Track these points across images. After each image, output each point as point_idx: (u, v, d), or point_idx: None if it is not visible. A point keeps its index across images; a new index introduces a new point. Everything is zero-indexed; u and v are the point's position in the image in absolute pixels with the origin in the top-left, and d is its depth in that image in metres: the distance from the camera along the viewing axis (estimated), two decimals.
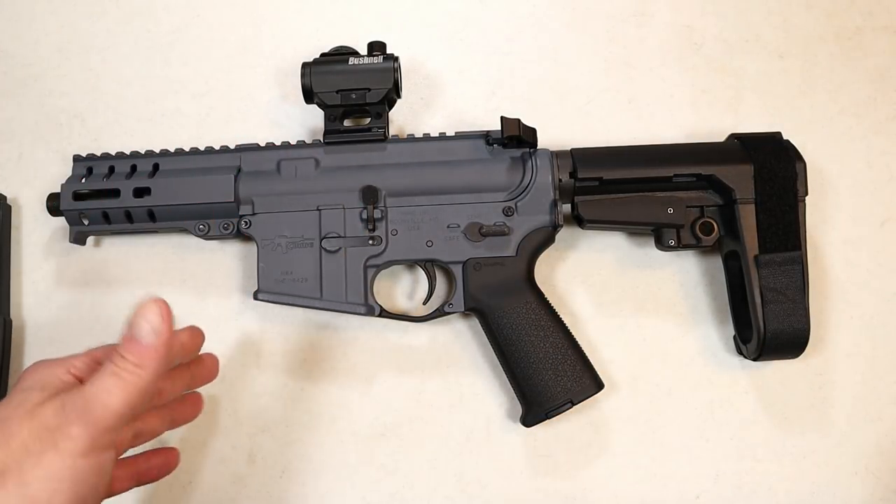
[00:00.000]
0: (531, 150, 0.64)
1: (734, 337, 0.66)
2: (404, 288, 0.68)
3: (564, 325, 0.62)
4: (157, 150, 0.66)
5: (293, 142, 0.66)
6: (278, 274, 0.62)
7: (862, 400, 0.66)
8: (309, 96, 0.64)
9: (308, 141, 0.66)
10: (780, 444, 0.65)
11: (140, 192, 0.63)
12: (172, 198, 0.63)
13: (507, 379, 0.63)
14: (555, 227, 0.63)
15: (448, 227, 0.63)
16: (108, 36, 0.75)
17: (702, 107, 0.72)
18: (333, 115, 0.64)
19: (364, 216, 0.63)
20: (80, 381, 0.49)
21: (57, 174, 0.70)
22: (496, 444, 0.65)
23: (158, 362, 0.46)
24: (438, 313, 0.64)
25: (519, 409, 0.63)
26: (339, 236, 0.63)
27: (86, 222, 0.65)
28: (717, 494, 0.64)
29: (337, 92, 0.63)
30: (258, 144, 0.66)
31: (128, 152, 0.66)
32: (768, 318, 0.60)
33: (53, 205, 0.64)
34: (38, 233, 0.70)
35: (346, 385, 0.66)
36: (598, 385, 0.61)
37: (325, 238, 0.63)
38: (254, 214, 0.63)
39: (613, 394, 0.66)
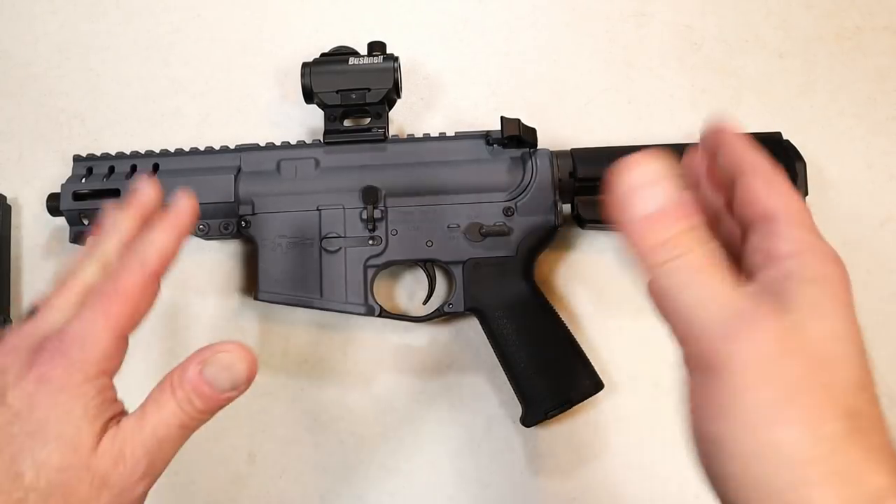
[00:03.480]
0: (531, 150, 0.64)
1: None
2: (404, 288, 0.68)
3: (564, 325, 0.62)
4: (157, 150, 0.66)
5: (293, 142, 0.66)
6: (278, 274, 0.62)
7: None
8: (309, 96, 0.64)
9: (308, 141, 0.66)
10: None
11: None
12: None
13: (507, 379, 0.63)
14: (555, 228, 0.63)
15: (448, 227, 0.63)
16: (108, 36, 0.75)
17: (702, 107, 0.72)
18: (333, 115, 0.64)
19: (364, 216, 0.63)
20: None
21: (57, 174, 0.70)
22: (496, 444, 0.65)
23: (222, 407, 0.44)
24: (438, 313, 0.64)
25: (519, 409, 0.63)
26: (339, 236, 0.63)
27: (86, 222, 0.65)
28: None
29: (337, 92, 0.63)
30: (258, 144, 0.66)
31: (128, 152, 0.66)
32: None
33: (53, 205, 0.64)
34: (38, 233, 0.70)
35: (346, 385, 0.66)
36: (598, 385, 0.61)
37: (325, 238, 0.63)
38: (254, 214, 0.63)
39: (613, 394, 0.66)
